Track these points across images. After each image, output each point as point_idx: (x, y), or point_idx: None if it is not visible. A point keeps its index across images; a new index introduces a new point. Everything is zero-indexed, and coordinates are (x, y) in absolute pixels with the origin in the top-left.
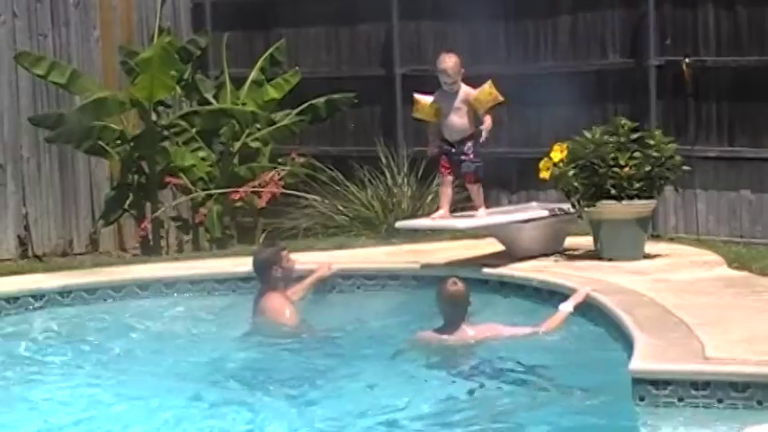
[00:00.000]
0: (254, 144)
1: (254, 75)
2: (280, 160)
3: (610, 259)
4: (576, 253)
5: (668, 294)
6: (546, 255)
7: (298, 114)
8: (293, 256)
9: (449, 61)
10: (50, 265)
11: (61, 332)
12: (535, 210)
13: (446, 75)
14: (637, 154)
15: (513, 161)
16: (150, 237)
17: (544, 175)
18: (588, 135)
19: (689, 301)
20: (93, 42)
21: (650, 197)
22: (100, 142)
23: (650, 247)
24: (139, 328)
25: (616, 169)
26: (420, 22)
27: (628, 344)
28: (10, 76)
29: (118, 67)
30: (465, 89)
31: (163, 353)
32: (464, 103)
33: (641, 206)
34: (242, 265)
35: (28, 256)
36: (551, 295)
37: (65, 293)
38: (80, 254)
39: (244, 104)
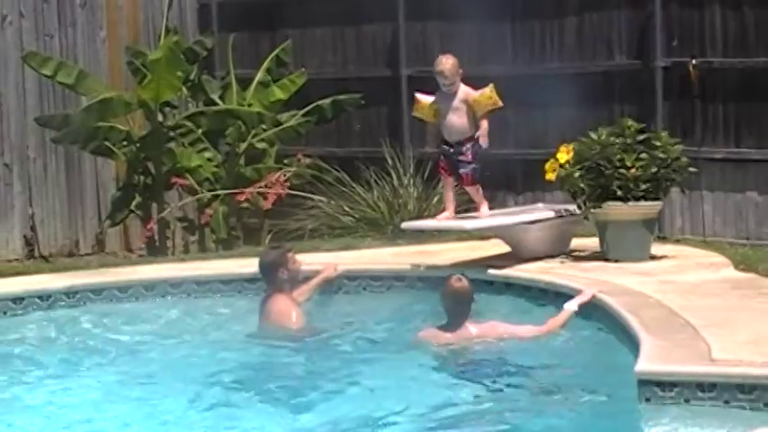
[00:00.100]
0: (260, 145)
1: (260, 76)
2: (286, 161)
3: (616, 261)
4: (582, 254)
5: (674, 296)
6: (552, 256)
7: (304, 115)
8: (299, 257)
9: (446, 63)
10: (56, 265)
11: (67, 333)
12: (541, 211)
13: (443, 76)
14: (643, 155)
15: (519, 162)
16: (156, 237)
17: (550, 176)
18: (594, 136)
19: (695, 303)
20: (99, 43)
21: (656, 198)
22: (106, 143)
23: (656, 248)
24: (145, 328)
25: (622, 170)
26: (426, 23)
27: (634, 345)
28: (17, 76)
29: (124, 67)
30: (464, 89)
31: (168, 354)
32: (463, 104)
33: (647, 207)
34: (248, 266)
35: (34, 257)
36: (557, 296)
37: (71, 294)
38: (86, 254)
39: (250, 105)
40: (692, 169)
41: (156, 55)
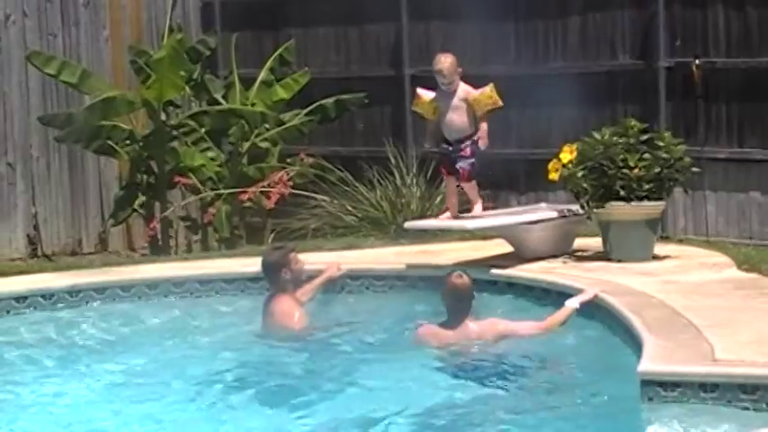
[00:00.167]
0: (263, 144)
1: (263, 75)
2: (289, 160)
3: (619, 260)
4: (585, 254)
5: (677, 296)
6: (555, 256)
7: (307, 114)
8: (302, 256)
9: (444, 61)
10: (59, 264)
11: (69, 332)
12: (544, 211)
13: (441, 75)
14: (646, 155)
15: (522, 162)
16: (159, 236)
17: (553, 176)
18: (597, 136)
19: (698, 303)
20: (102, 42)
21: (659, 198)
22: (109, 142)
23: (659, 248)
24: (148, 327)
25: (625, 170)
26: (430, 23)
27: (636, 345)
28: (20, 75)
29: (127, 66)
30: (464, 88)
31: (170, 353)
32: (463, 102)
33: (650, 207)
34: (251, 265)
35: (37, 256)
36: (560, 296)
37: (74, 293)
38: (89, 253)
39: (253, 104)
40: (695, 169)
41: (159, 54)
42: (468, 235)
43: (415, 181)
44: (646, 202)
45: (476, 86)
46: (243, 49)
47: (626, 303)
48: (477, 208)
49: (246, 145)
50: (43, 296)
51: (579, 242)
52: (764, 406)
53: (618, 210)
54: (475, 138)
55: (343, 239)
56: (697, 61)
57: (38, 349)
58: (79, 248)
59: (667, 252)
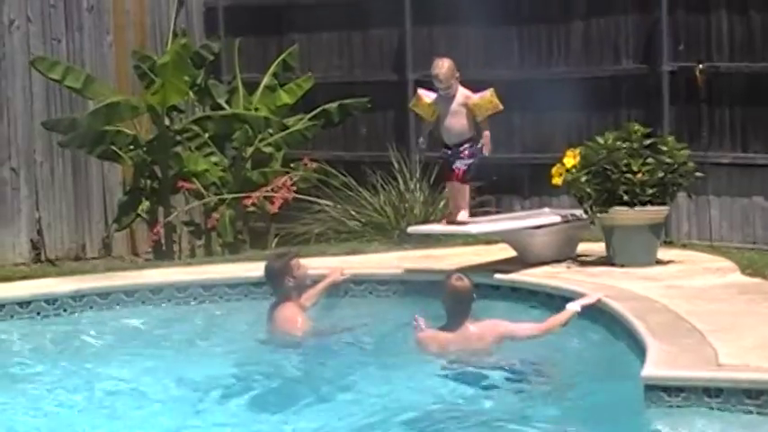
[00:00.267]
0: (267, 149)
1: (266, 80)
2: (292, 165)
3: (622, 265)
4: (588, 259)
5: (681, 301)
6: (558, 261)
7: (310, 119)
8: (305, 261)
9: (441, 67)
10: (63, 269)
11: (73, 336)
12: (547, 216)
13: (438, 80)
14: (650, 160)
15: (526, 167)
16: (163, 241)
17: (557, 180)
18: (601, 141)
19: (702, 308)
20: (106, 47)
21: (663, 203)
22: (113, 147)
23: (663, 253)
24: (151, 332)
25: (629, 175)
26: (433, 28)
27: (640, 350)
28: (24, 80)
29: (131, 71)
30: (463, 92)
31: (173, 358)
32: (462, 107)
33: (654, 212)
34: (254, 269)
35: (41, 261)
36: (563, 301)
37: (77, 298)
38: (93, 258)
39: (256, 109)
40: (698, 174)
41: (163, 59)
42: (471, 239)
43: (418, 186)
44: (649, 207)
45: (478, 91)
46: (246, 54)
47: (630, 308)
48: (463, 215)
49: (250, 150)
50: (47, 301)
51: (582, 247)
52: None
53: (621, 214)
54: (480, 145)
55: (346, 244)
56: (700, 66)
57: (40, 354)
58: (83, 253)
59: (671, 257)
